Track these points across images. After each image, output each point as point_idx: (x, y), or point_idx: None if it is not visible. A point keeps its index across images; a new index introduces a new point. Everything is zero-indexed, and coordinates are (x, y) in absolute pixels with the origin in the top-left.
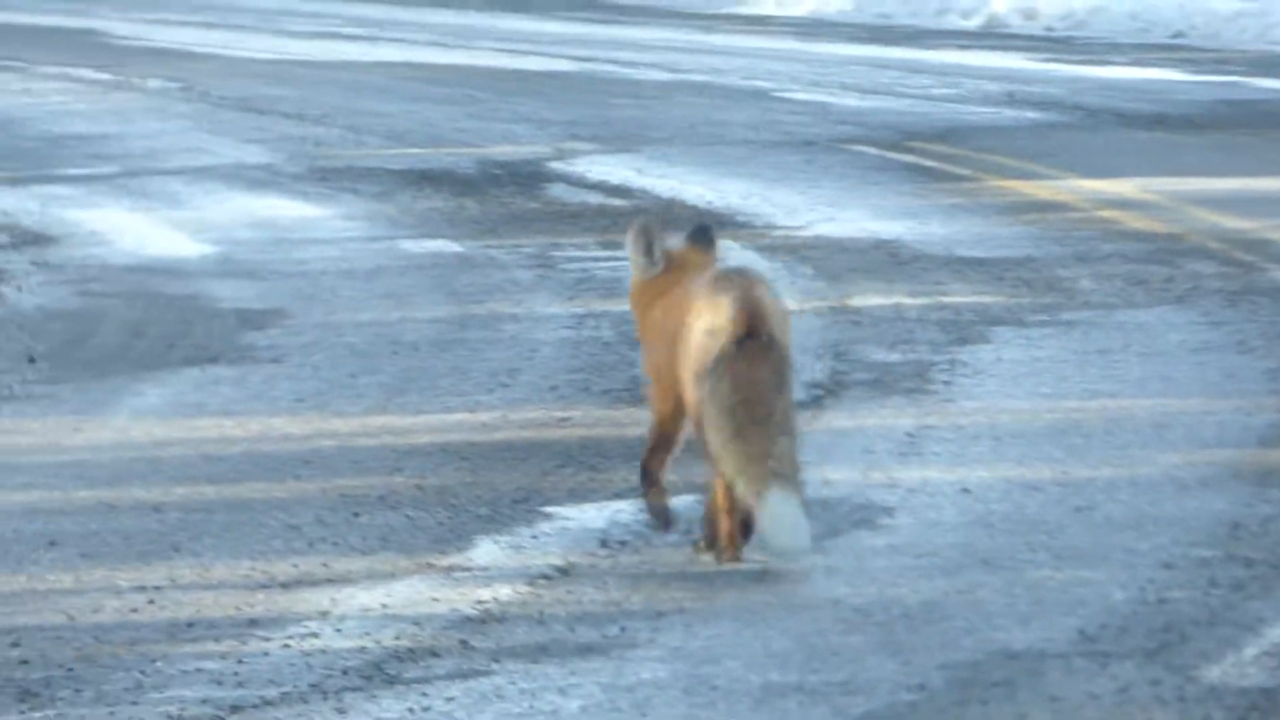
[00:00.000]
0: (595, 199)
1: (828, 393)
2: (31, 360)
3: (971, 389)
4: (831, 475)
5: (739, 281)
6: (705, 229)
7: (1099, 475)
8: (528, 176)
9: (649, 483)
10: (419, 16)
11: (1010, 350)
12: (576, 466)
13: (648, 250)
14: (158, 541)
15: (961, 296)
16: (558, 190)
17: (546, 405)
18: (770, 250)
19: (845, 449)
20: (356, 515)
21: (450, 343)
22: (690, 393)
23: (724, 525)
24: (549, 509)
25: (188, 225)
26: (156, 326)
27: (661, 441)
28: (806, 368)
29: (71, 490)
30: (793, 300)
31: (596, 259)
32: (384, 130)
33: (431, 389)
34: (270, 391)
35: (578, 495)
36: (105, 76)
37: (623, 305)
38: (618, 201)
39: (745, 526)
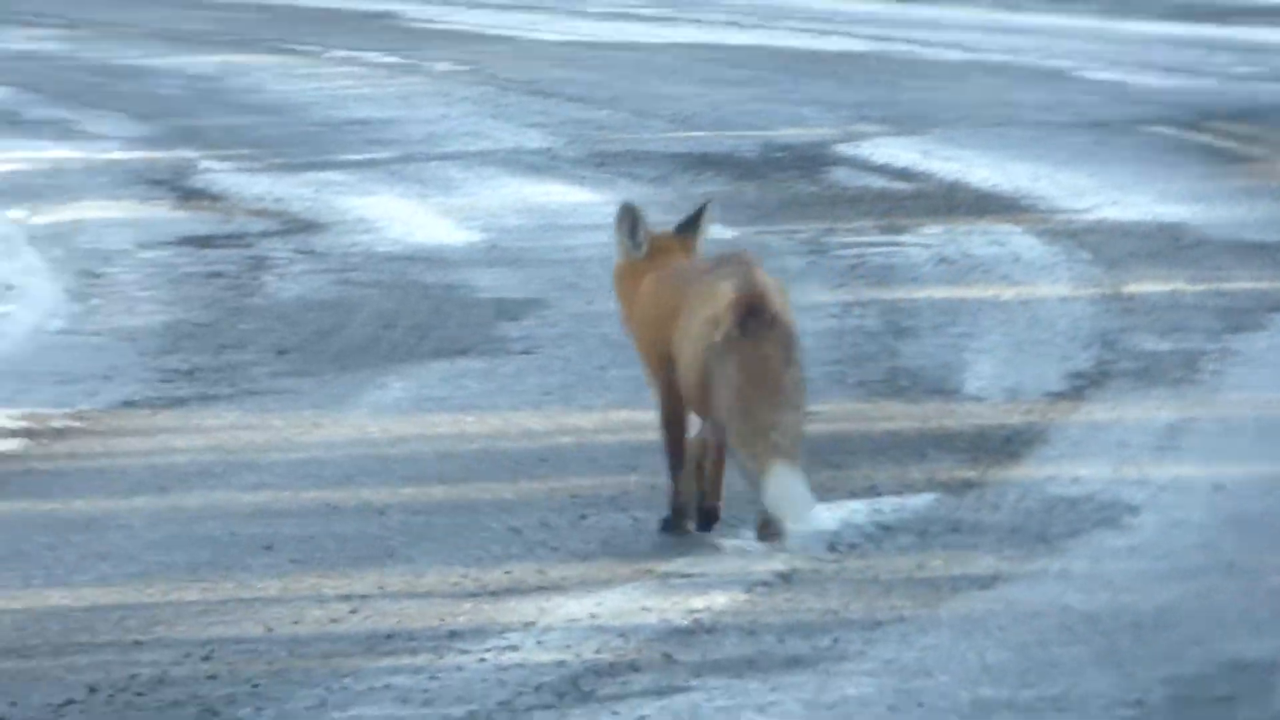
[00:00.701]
0: (878, 183)
1: (1090, 383)
2: (281, 352)
3: (1241, 379)
4: (1081, 471)
5: (737, 265)
6: (698, 213)
7: None
8: (811, 160)
9: (676, 466)
10: None
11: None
12: (818, 464)
13: (632, 232)
14: (374, 546)
15: (1242, 283)
16: (840, 174)
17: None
18: (1051, 235)
19: (1100, 443)
20: (584, 517)
21: None
22: (692, 377)
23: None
24: None
25: (457, 212)
26: (410, 317)
27: (673, 420)
28: (1071, 357)
29: (299, 490)
30: (1066, 287)
31: (872, 244)
32: (669, 113)
33: None
34: (517, 385)
35: (815, 495)
36: (395, 60)
37: (894, 293)
38: (900, 185)
39: (708, 514)
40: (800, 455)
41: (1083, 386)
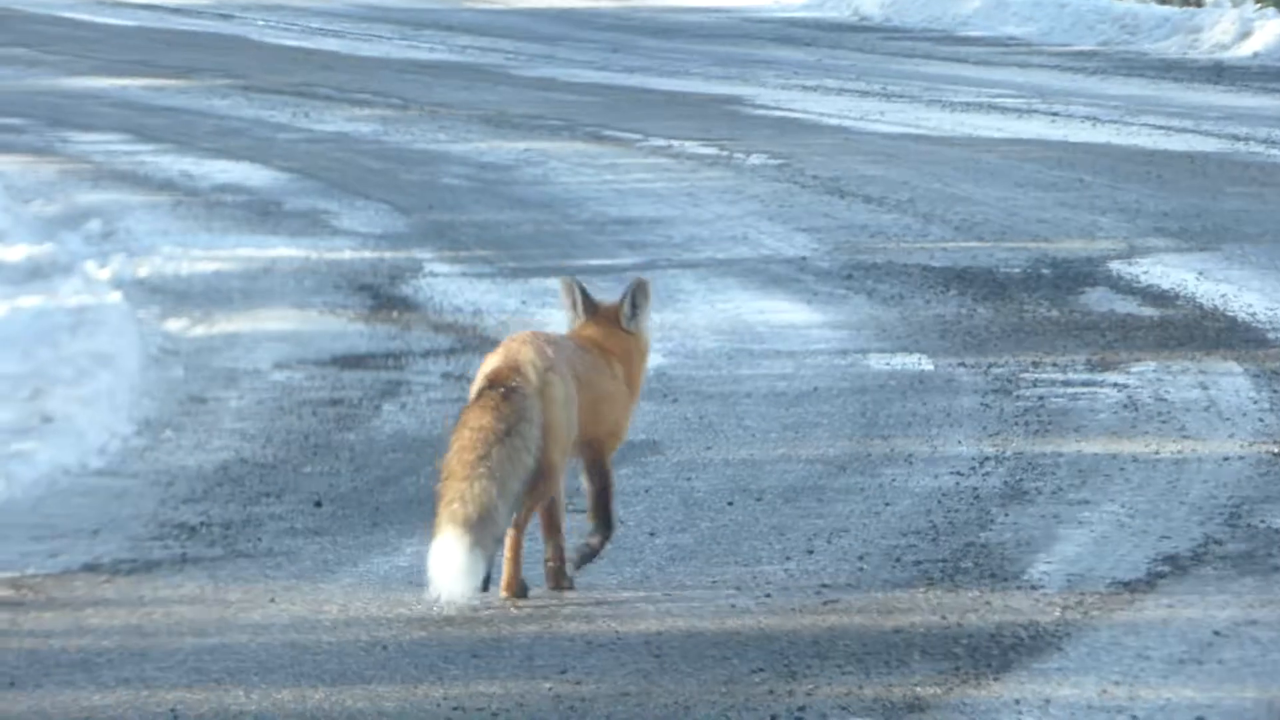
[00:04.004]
0: (1127, 308)
1: (1174, 570)
2: (318, 504)
3: None
4: (1060, 693)
5: (517, 339)
6: (630, 292)
7: None
8: (1074, 279)
9: None
10: (1099, 87)
11: None
12: (769, 673)
13: (573, 304)
14: None
15: None
16: (1094, 296)
17: (831, 580)
18: (1274, 376)
19: (1118, 654)
20: None
21: (803, 492)
22: None
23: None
24: None
25: (658, 331)
26: None
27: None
28: (1176, 535)
29: (163, 689)
30: (1240, 444)
31: (1067, 384)
32: (957, 220)
33: (722, 555)
34: (540, 554)
35: (729, 713)
36: (709, 151)
37: (1046, 445)
38: (1149, 311)
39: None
40: (483, 525)
41: (1162, 575)
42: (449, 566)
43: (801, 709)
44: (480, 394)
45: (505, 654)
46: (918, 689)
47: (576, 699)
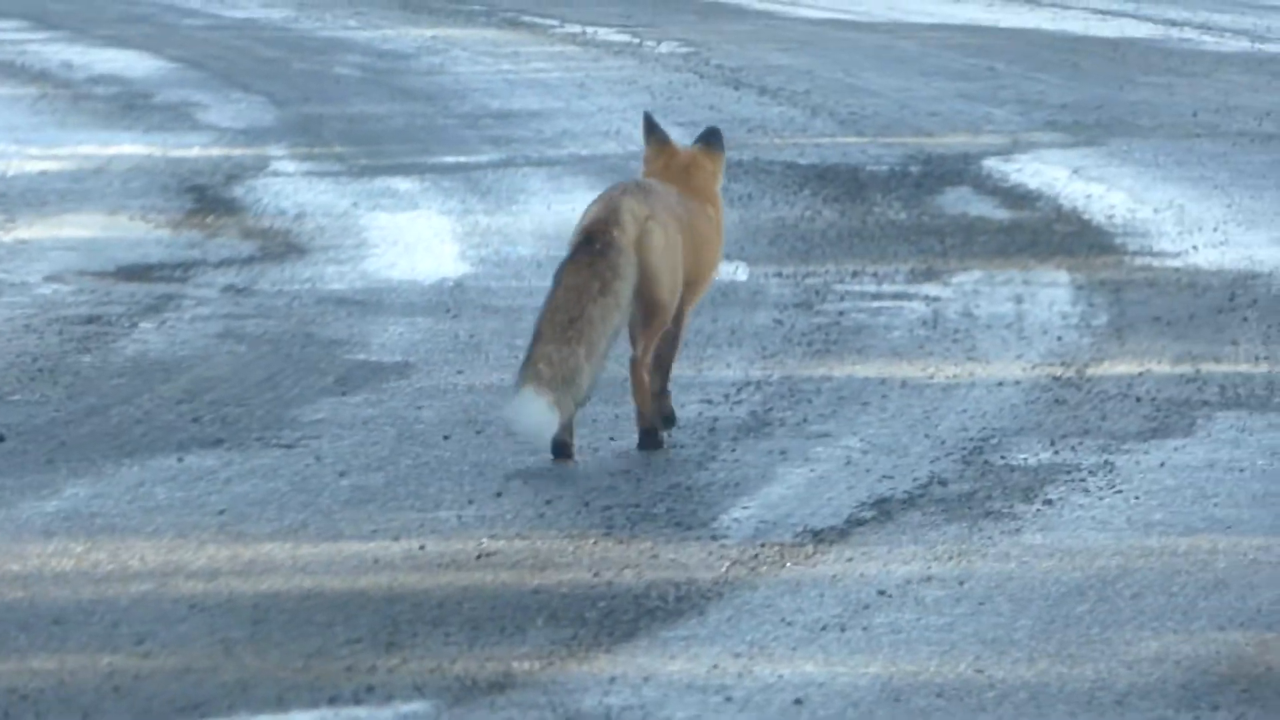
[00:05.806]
0: (980, 210)
1: (879, 516)
2: (0, 438)
3: (1066, 517)
4: (652, 671)
5: (619, 187)
6: (713, 131)
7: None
8: (939, 177)
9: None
10: None
11: (1193, 451)
12: (365, 644)
13: (649, 136)
14: None
15: (1245, 365)
16: (952, 197)
17: (502, 530)
18: (1096, 287)
19: (761, 620)
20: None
21: None
22: None
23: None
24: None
25: (477, 235)
26: (227, 388)
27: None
28: (899, 475)
29: None
30: (1022, 366)
31: (875, 296)
32: (846, 113)
33: (403, 499)
34: (208, 496)
35: (288, 694)
36: (620, 39)
37: (819, 369)
38: (1001, 214)
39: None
40: (564, 386)
41: (861, 522)
42: (524, 422)
43: (370, 689)
44: (576, 250)
45: (94, 619)
46: (514, 663)
47: (129, 677)
